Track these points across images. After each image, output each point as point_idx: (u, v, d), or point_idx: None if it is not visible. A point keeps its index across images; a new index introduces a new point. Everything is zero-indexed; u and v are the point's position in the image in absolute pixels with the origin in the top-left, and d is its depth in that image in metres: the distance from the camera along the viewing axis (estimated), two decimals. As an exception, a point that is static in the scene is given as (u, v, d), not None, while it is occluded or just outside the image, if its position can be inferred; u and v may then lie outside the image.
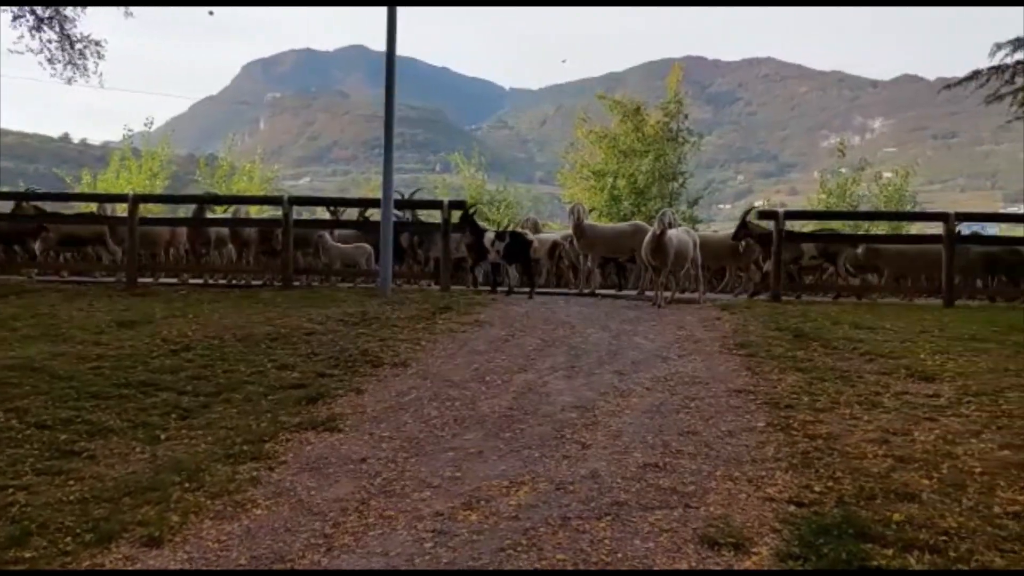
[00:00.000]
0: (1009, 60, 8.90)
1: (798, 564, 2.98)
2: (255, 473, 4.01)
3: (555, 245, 12.03)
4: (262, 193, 24.58)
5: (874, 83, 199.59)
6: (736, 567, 3.02)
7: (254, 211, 16.61)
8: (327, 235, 11.75)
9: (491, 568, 3.04)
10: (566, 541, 3.23)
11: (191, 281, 11.97)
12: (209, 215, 13.07)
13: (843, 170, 27.05)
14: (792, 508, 3.48)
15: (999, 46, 9.17)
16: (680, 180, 24.33)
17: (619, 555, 3.12)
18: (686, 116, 24.48)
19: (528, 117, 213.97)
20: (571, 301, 9.85)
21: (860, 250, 11.98)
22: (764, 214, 11.76)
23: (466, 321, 7.90)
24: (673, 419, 4.84)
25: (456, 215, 10.98)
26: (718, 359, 6.49)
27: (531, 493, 3.73)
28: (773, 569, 2.98)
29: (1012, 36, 8.61)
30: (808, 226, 18.74)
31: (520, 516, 3.48)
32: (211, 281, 12.09)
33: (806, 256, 12.36)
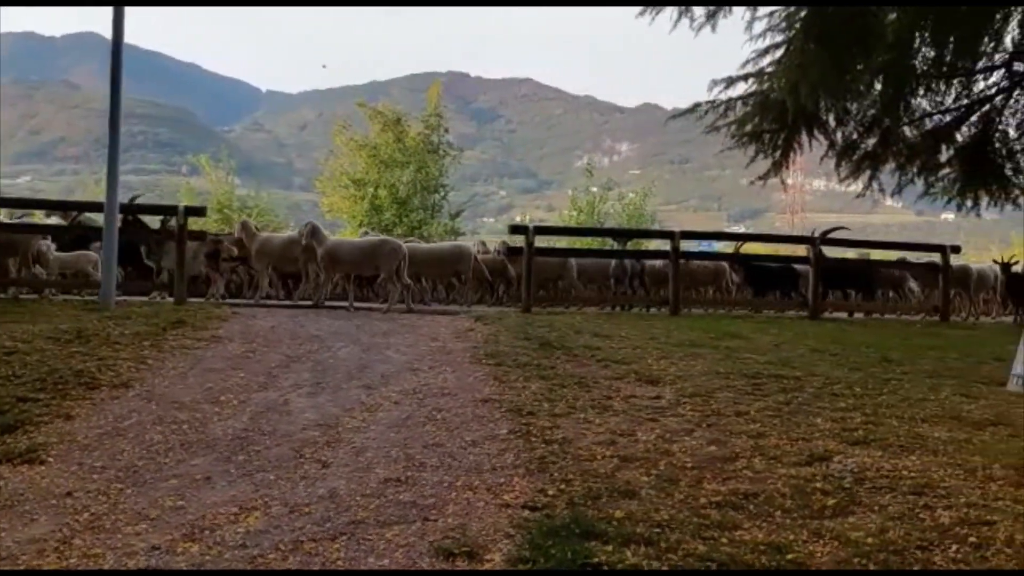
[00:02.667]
0: (723, 96, 9.93)
1: (527, 566, 3.06)
2: (-72, 518, 3.41)
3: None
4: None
5: (621, 110, 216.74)
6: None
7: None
8: (44, 242, 10.46)
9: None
10: (296, 565, 3.08)
11: None
12: None
13: (593, 189, 29.05)
14: (526, 513, 3.58)
15: (715, 82, 10.17)
16: (442, 192, 24.72)
17: None
18: (447, 129, 24.96)
19: (286, 121, 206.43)
20: (322, 315, 9.58)
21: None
22: (515, 228, 12.28)
23: (202, 337, 7.35)
24: (419, 432, 4.83)
25: (196, 223, 10.26)
26: (468, 369, 6.60)
27: (262, 518, 3.51)
28: (504, 569, 3.04)
29: (727, 74, 9.63)
30: (561, 242, 19.89)
31: (248, 544, 3.25)
32: None
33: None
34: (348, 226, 22.80)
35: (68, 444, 4.40)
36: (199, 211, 10.86)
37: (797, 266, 13.70)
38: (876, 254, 16.93)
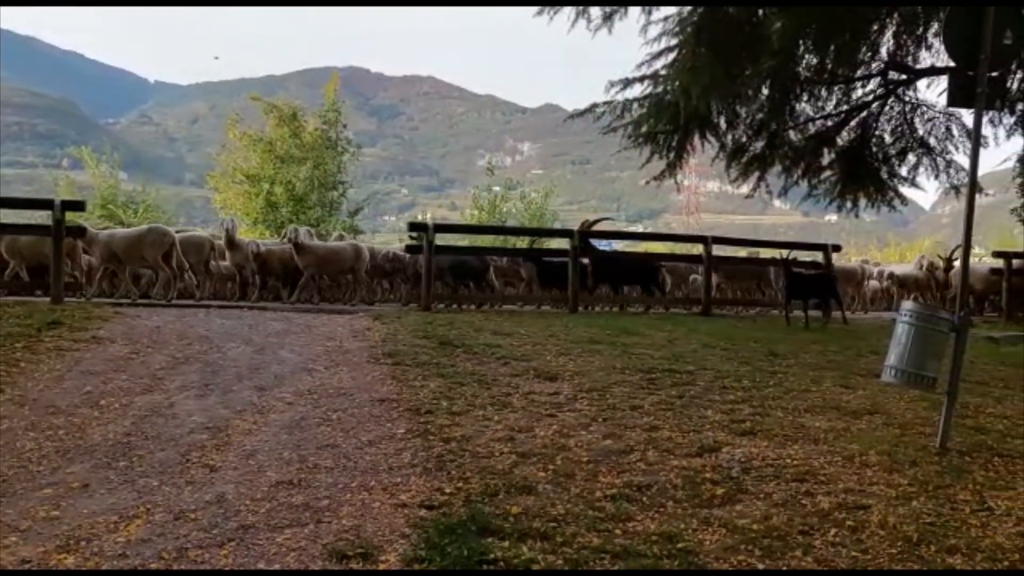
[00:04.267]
0: (620, 97, 10.15)
1: (423, 566, 3.03)
2: None
3: None
4: None
5: (523, 110, 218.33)
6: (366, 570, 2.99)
7: None
8: None
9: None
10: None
11: None
12: None
13: (496, 188, 29.18)
14: (423, 512, 3.55)
15: (612, 84, 10.38)
16: (340, 190, 24.28)
17: (240, 583, 2.91)
18: (345, 125, 24.53)
19: (176, 114, 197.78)
20: (212, 314, 9.22)
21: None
22: (414, 225, 12.17)
23: (81, 338, 6.94)
24: (313, 433, 4.71)
25: (73, 217, 9.68)
26: (365, 369, 6.49)
27: (144, 526, 3.34)
28: (399, 570, 3.00)
29: (622, 76, 9.87)
30: (463, 240, 19.82)
31: (128, 553, 3.09)
32: None
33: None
34: (244, 223, 22.06)
35: (-74, 455, 4.07)
36: (78, 205, 10.26)
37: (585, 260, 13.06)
38: (763, 252, 17.65)
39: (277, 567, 3.04)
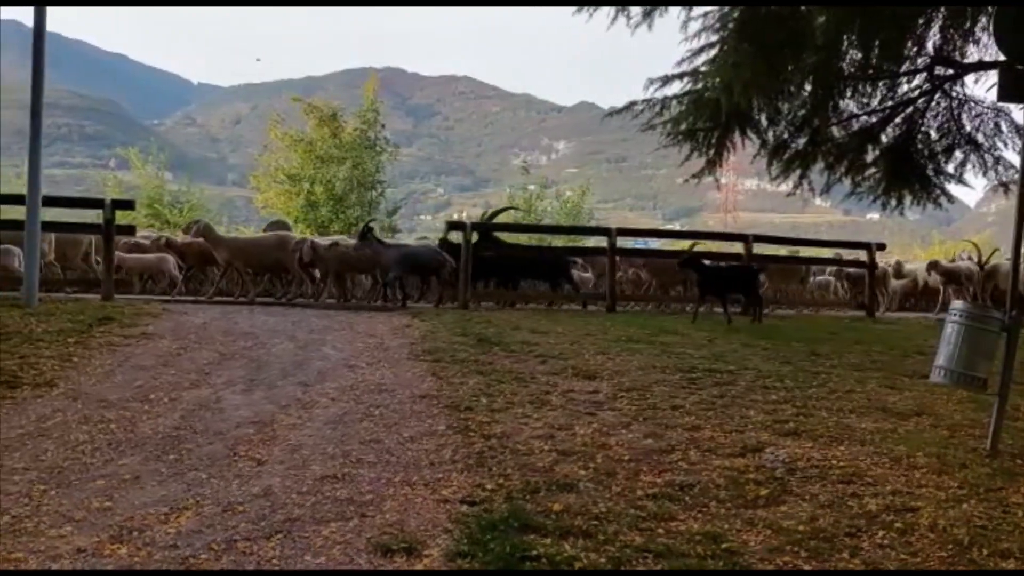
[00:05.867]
0: (659, 94, 10.07)
1: (466, 561, 3.05)
2: None
3: None
4: None
5: (559, 108, 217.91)
6: (408, 571, 3.02)
7: None
8: None
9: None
10: (230, 565, 3.00)
11: None
12: None
13: (531, 187, 29.20)
14: (464, 508, 3.57)
15: (651, 81, 10.30)
16: (379, 189, 24.50)
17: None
18: (383, 125, 24.74)
19: (219, 115, 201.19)
20: (256, 311, 9.38)
21: None
22: (453, 224, 12.23)
23: (131, 334, 7.11)
24: (356, 428, 4.77)
25: (124, 216, 9.93)
26: (405, 366, 6.55)
27: (194, 518, 3.42)
28: (442, 569, 3.02)
29: (662, 73, 9.78)
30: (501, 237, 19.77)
31: (179, 544, 3.16)
32: None
33: None
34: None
35: (-15, 446, 4.20)
36: (128, 204, 10.52)
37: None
38: (804, 251, 17.38)
39: (323, 560, 3.08)
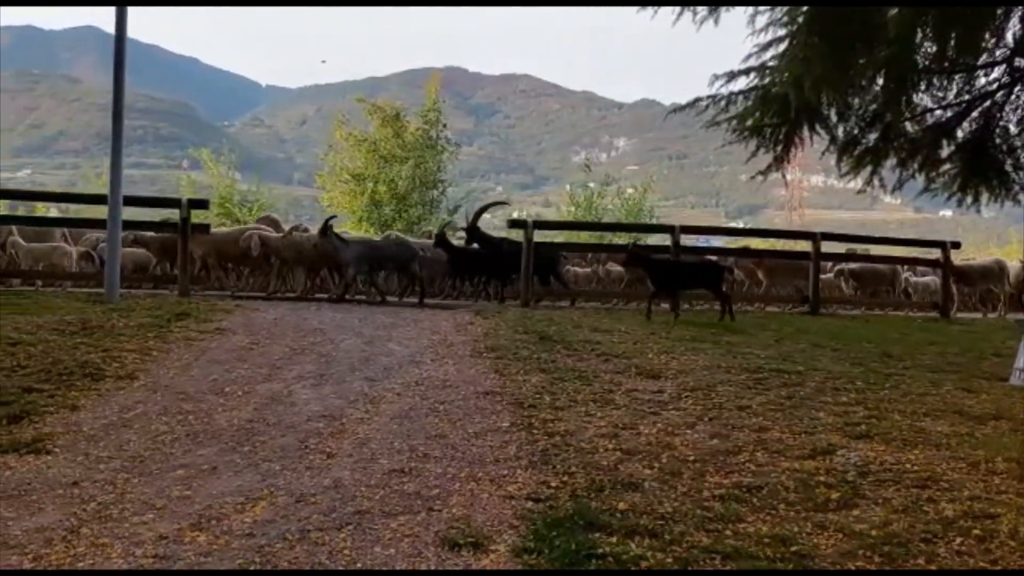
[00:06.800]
0: (724, 90, 9.92)
1: (532, 558, 3.08)
2: (-65, 506, 3.42)
3: None
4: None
5: (619, 105, 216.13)
6: (475, 566, 3.06)
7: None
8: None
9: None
10: (303, 555, 3.09)
11: None
12: None
13: (591, 184, 29.04)
14: (530, 504, 3.59)
15: (716, 76, 10.15)
16: (440, 188, 24.72)
17: (359, 564, 3.03)
18: (445, 125, 24.92)
19: (286, 116, 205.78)
20: (323, 307, 9.60)
21: None
22: (514, 223, 12.27)
23: (206, 329, 7.37)
24: (422, 423, 4.85)
25: (197, 215, 10.29)
26: (469, 362, 6.62)
27: (268, 508, 3.53)
28: (509, 569, 3.05)
29: (728, 68, 9.63)
30: (559, 236, 19.79)
31: (255, 533, 3.27)
32: None
33: None
34: (349, 220, 22.80)
35: (74, 434, 4.41)
36: (202, 204, 10.90)
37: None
38: (875, 250, 16.90)
39: (392, 552, 3.15)
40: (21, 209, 16.89)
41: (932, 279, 15.19)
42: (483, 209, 13.10)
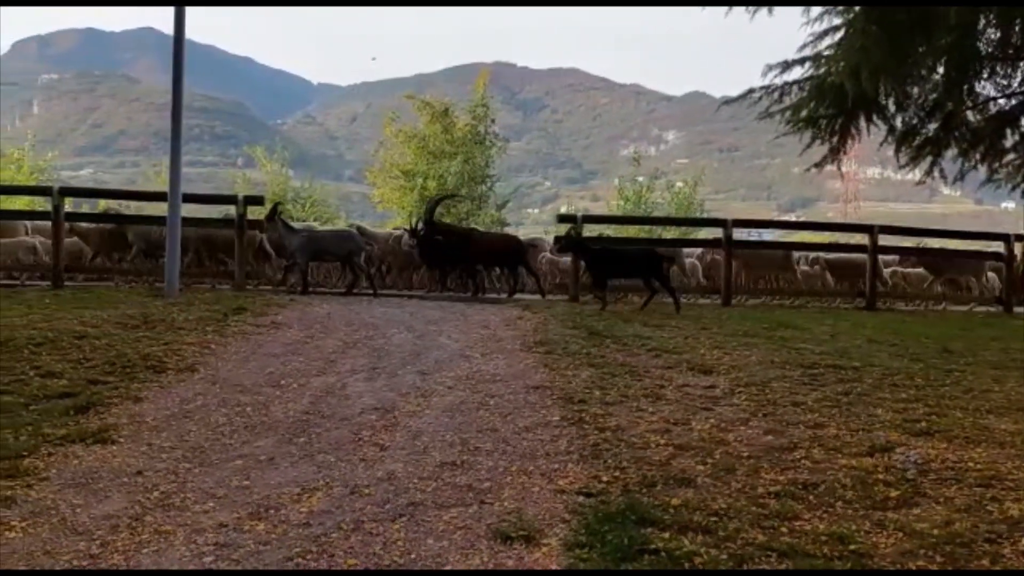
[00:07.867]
0: (778, 81, 9.76)
1: (584, 552, 3.08)
2: (10, 492, 3.55)
3: None
4: (32, 183, 22.15)
5: (668, 98, 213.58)
6: (527, 559, 3.07)
7: (23, 204, 15.01)
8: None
9: (277, 580, 2.88)
10: (358, 545, 3.14)
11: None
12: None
13: (640, 178, 28.82)
14: (581, 498, 3.60)
15: (770, 67, 9.99)
16: (489, 183, 24.79)
17: (412, 555, 3.07)
18: (493, 120, 24.97)
19: (337, 113, 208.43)
20: (374, 302, 9.72)
21: None
22: (563, 217, 12.24)
23: (262, 323, 7.53)
24: (473, 417, 4.88)
25: (253, 211, 10.51)
26: (518, 357, 6.63)
27: (324, 499, 3.60)
28: (562, 570, 3.06)
29: (781, 59, 9.47)
30: (608, 230, 19.73)
31: (311, 523, 3.34)
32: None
33: None
34: (398, 216, 23.02)
35: (137, 425, 4.56)
36: (257, 200, 11.15)
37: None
38: (934, 243, 16.39)
39: (445, 544, 3.18)
40: (85, 206, 17.46)
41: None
42: (437, 202, 12.91)
